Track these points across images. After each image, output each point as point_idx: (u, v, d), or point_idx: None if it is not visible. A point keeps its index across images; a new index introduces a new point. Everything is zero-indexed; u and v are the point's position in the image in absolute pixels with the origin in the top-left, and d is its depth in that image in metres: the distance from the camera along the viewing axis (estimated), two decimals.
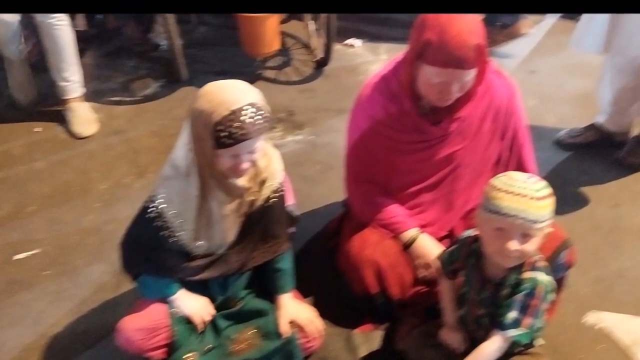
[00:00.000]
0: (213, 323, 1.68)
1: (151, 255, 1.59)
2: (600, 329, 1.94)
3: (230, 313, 1.71)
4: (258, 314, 1.70)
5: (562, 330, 1.91)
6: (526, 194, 1.34)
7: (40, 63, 3.08)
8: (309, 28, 3.73)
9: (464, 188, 1.85)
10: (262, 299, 1.73)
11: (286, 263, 1.74)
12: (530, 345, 1.52)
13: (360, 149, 1.83)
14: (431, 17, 1.53)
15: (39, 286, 2.14)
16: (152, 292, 1.64)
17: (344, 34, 3.81)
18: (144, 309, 1.62)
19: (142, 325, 1.58)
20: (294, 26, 3.99)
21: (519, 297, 1.43)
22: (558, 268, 1.69)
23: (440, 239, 1.86)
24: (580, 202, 2.49)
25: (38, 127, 3.05)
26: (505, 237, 1.37)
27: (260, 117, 1.38)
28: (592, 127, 2.80)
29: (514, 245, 1.37)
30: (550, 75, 3.48)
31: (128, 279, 1.70)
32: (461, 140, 1.76)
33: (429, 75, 1.56)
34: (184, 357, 1.60)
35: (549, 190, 1.38)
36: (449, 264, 1.63)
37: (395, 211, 1.84)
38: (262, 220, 1.63)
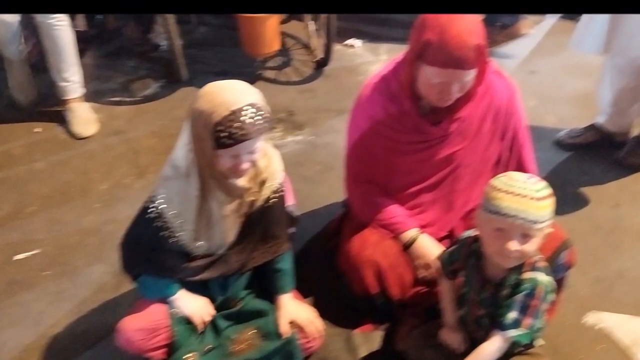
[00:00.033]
0: (213, 323, 1.68)
1: (151, 255, 1.59)
2: (600, 329, 1.94)
3: (230, 313, 1.71)
4: (258, 314, 1.70)
5: (562, 330, 1.91)
6: (526, 194, 1.34)
7: (40, 63, 3.08)
8: (309, 28, 3.73)
9: (464, 188, 1.85)
10: (262, 300, 1.73)
11: (286, 263, 1.74)
12: (530, 345, 1.52)
13: (360, 150, 1.83)
14: (431, 17, 1.53)
15: (39, 286, 2.14)
16: (152, 293, 1.64)
17: (344, 34, 3.81)
18: (144, 309, 1.62)
19: (142, 325, 1.58)
20: (294, 26, 3.99)
21: (519, 297, 1.43)
22: (558, 268, 1.69)
23: (440, 240, 1.86)
24: (580, 202, 2.49)
25: (38, 128, 3.05)
26: (505, 238, 1.37)
27: (260, 117, 1.38)
28: (592, 128, 2.80)
29: (514, 245, 1.37)
30: (550, 75, 3.48)
31: (128, 280, 1.70)
32: (461, 140, 1.76)
33: (429, 76, 1.56)
34: (184, 357, 1.60)
35: (549, 191, 1.38)
36: (449, 264, 1.63)
37: (395, 211, 1.84)
38: (262, 221, 1.63)
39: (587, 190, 2.55)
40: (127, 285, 2.01)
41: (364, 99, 1.79)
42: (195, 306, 1.66)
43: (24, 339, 1.94)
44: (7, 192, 2.62)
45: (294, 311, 1.69)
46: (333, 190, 2.40)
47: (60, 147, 2.91)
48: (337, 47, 3.62)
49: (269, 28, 3.27)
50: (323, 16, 3.36)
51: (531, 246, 1.39)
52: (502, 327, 1.44)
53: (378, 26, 4.05)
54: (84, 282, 2.15)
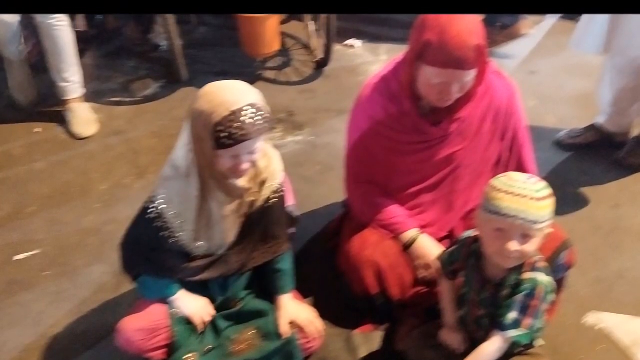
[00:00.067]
0: (213, 324, 1.68)
1: (151, 255, 1.59)
2: (600, 329, 1.94)
3: (230, 314, 1.71)
4: (258, 314, 1.70)
5: (562, 330, 1.91)
6: (526, 194, 1.34)
7: (40, 64, 3.08)
8: (309, 29, 3.73)
9: (464, 189, 1.85)
10: (262, 300, 1.73)
11: (286, 264, 1.74)
12: (530, 345, 1.52)
13: (360, 150, 1.83)
14: (431, 17, 1.53)
15: (39, 287, 2.14)
16: (152, 293, 1.64)
17: (344, 35, 3.81)
18: (144, 309, 1.62)
19: (142, 325, 1.58)
20: (294, 27, 3.99)
21: (519, 297, 1.43)
22: (558, 269, 1.69)
23: (440, 240, 1.86)
24: (580, 202, 2.49)
25: (38, 128, 3.05)
26: (505, 238, 1.37)
27: (260, 117, 1.38)
28: (592, 128, 2.80)
29: (514, 245, 1.37)
30: (550, 75, 3.48)
31: (128, 280, 1.70)
32: (461, 140, 1.76)
33: (429, 76, 1.56)
34: (184, 357, 1.60)
35: (549, 191, 1.38)
36: (449, 264, 1.63)
37: (395, 212, 1.84)
38: (262, 221, 1.63)
39: (587, 191, 2.55)
40: (127, 286, 2.01)
41: (364, 99, 1.79)
42: (195, 306, 1.66)
43: (24, 339, 1.94)
44: (7, 192, 2.62)
45: (294, 311, 1.69)
46: (333, 190, 2.40)
47: (60, 148, 2.91)
48: (337, 48, 3.61)
49: (269, 28, 3.27)
50: (323, 16, 3.36)
51: (531, 246, 1.39)
52: (502, 328, 1.44)
53: (378, 26, 4.05)
54: (84, 282, 2.15)
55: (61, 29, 2.83)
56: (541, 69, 3.55)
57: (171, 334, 1.61)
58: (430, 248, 1.80)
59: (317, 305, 1.92)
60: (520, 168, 1.80)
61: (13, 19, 2.79)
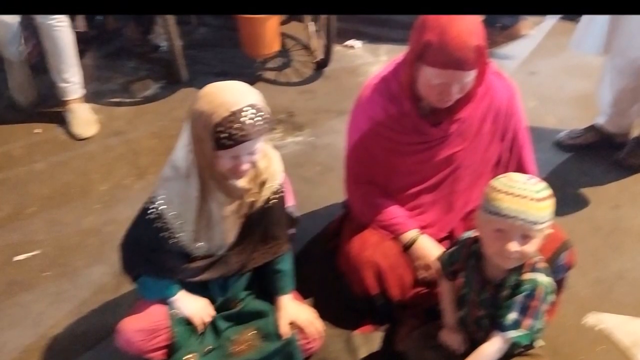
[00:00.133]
0: (213, 324, 1.68)
1: (151, 256, 1.59)
2: (600, 330, 1.94)
3: (230, 314, 1.71)
4: (258, 315, 1.70)
5: (562, 331, 1.91)
6: (526, 195, 1.34)
7: (40, 64, 3.08)
8: (309, 29, 3.73)
9: (464, 189, 1.85)
10: (262, 300, 1.73)
11: (286, 264, 1.74)
12: (530, 346, 1.52)
13: (360, 150, 1.83)
14: (431, 18, 1.53)
15: (39, 287, 2.14)
16: (152, 294, 1.64)
17: (344, 35, 3.81)
18: (144, 310, 1.62)
19: (142, 326, 1.58)
20: (294, 27, 3.99)
21: (519, 298, 1.43)
22: (558, 269, 1.69)
23: (440, 240, 1.86)
24: (580, 203, 2.49)
25: (38, 129, 3.05)
26: (505, 239, 1.37)
27: (260, 118, 1.38)
28: (592, 129, 2.80)
29: (514, 246, 1.37)
30: (550, 76, 3.48)
31: (128, 280, 1.70)
32: (461, 141, 1.76)
33: (429, 77, 1.56)
34: (184, 358, 1.60)
35: (549, 192, 1.38)
36: (449, 265, 1.63)
37: (395, 212, 1.84)
38: (262, 222, 1.63)
39: (587, 191, 2.55)
40: (127, 286, 2.01)
41: (364, 99, 1.79)
42: (195, 307, 1.66)
43: (24, 340, 1.94)
44: (7, 193, 2.62)
45: (294, 312, 1.69)
46: (333, 191, 2.40)
47: (60, 148, 2.91)
48: (337, 48, 3.61)
49: (269, 29, 3.27)
50: (323, 17, 3.36)
51: (531, 247, 1.39)
52: (502, 328, 1.44)
53: (378, 27, 4.06)
54: (84, 283, 2.15)
55: (61, 29, 2.83)
56: (541, 69, 3.55)
57: (171, 334, 1.61)
58: (430, 249, 1.80)
59: (317, 305, 1.92)
60: (520, 169, 1.80)
61: (13, 19, 2.79)
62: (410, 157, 1.79)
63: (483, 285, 1.53)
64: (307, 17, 3.75)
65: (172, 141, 1.63)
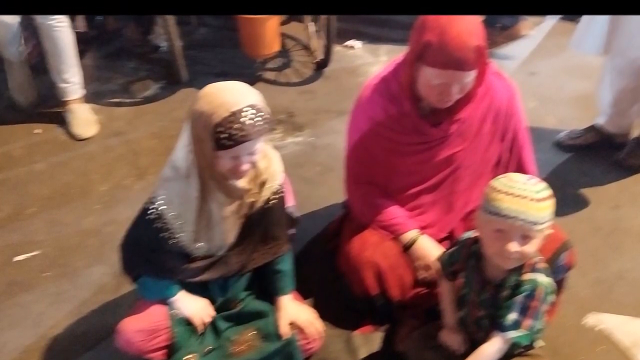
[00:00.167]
0: (213, 324, 1.68)
1: (151, 256, 1.59)
2: (600, 330, 1.94)
3: (230, 314, 1.71)
4: (258, 315, 1.70)
5: (562, 331, 1.91)
6: (526, 195, 1.34)
7: (40, 65, 3.08)
8: (309, 29, 3.73)
9: (464, 189, 1.85)
10: (262, 301, 1.73)
11: (286, 264, 1.74)
12: (530, 346, 1.52)
13: (360, 151, 1.83)
14: (431, 18, 1.53)
15: (39, 288, 2.14)
16: (152, 294, 1.64)
17: (344, 36, 3.81)
18: (144, 310, 1.62)
19: (142, 326, 1.58)
20: (294, 28, 3.99)
21: (519, 298, 1.43)
22: (558, 269, 1.69)
23: (440, 241, 1.86)
24: (580, 203, 2.49)
25: (38, 129, 3.05)
26: (505, 239, 1.37)
27: (260, 118, 1.38)
28: (592, 129, 2.80)
29: (514, 246, 1.37)
30: (550, 76, 3.48)
31: (128, 281, 1.70)
32: (461, 141, 1.76)
33: (429, 77, 1.56)
34: (184, 358, 1.60)
35: (549, 192, 1.38)
36: (449, 265, 1.63)
37: (395, 213, 1.84)
38: (262, 222, 1.63)
39: (587, 192, 2.55)
40: (127, 287, 2.01)
41: (364, 100, 1.79)
42: (195, 307, 1.66)
43: (24, 341, 1.94)
44: (7, 193, 2.62)
45: (294, 312, 1.69)
46: (333, 191, 2.40)
47: (60, 149, 2.91)
48: (337, 49, 3.62)
49: (269, 29, 3.27)
50: (323, 17, 3.36)
51: (531, 247, 1.39)
52: (502, 329, 1.44)
53: (378, 27, 4.06)
54: (84, 283, 2.15)
55: (61, 30, 2.83)
56: (541, 69, 3.55)
57: (171, 334, 1.61)
58: (430, 249, 1.80)
59: (317, 306, 1.92)
60: (520, 169, 1.80)
61: (13, 19, 2.79)
62: (410, 157, 1.79)
63: (483, 286, 1.53)
64: (307, 18, 3.75)
65: (172, 141, 1.63)
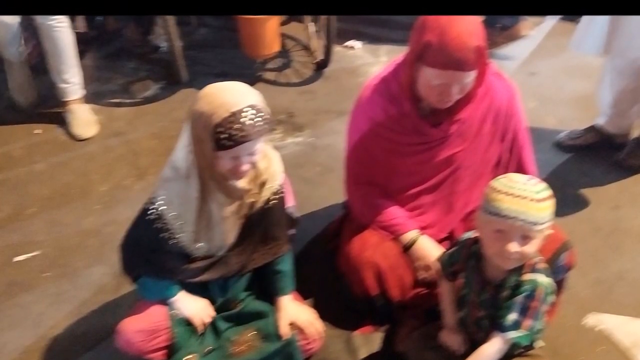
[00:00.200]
0: (213, 325, 1.68)
1: (151, 257, 1.59)
2: (601, 330, 1.94)
3: (230, 315, 1.71)
4: (258, 315, 1.70)
5: (562, 332, 1.91)
6: (526, 195, 1.34)
7: (40, 65, 3.08)
8: (309, 30, 3.73)
9: (464, 190, 1.85)
10: (262, 301, 1.73)
11: (286, 265, 1.74)
12: (530, 347, 1.52)
13: (360, 151, 1.83)
14: (431, 19, 1.53)
15: (39, 288, 2.14)
16: (152, 294, 1.64)
17: (344, 36, 3.81)
18: (144, 310, 1.62)
19: (142, 327, 1.58)
20: (294, 28, 3.99)
21: (519, 299, 1.43)
22: (558, 270, 1.69)
23: (440, 241, 1.86)
24: (580, 204, 2.49)
25: (38, 129, 3.05)
26: (505, 239, 1.37)
27: (260, 119, 1.38)
28: (592, 129, 2.80)
29: (514, 247, 1.37)
30: (550, 77, 3.48)
31: (128, 281, 1.70)
32: (461, 142, 1.76)
33: (429, 77, 1.56)
34: (184, 359, 1.60)
35: (549, 192, 1.38)
36: (449, 265, 1.63)
37: (395, 213, 1.84)
38: (262, 222, 1.63)
39: (587, 192, 2.55)
40: (127, 287, 2.01)
41: (364, 100, 1.79)
42: (195, 308, 1.66)
43: (23, 341, 1.94)
44: (7, 193, 2.62)
45: (294, 313, 1.69)
46: (333, 191, 2.40)
47: (60, 149, 2.91)
48: (337, 49, 3.61)
49: (269, 29, 3.27)
50: (323, 18, 3.36)
51: (531, 248, 1.39)
52: (502, 329, 1.44)
53: (378, 28, 4.06)
54: (84, 283, 2.15)
55: (61, 30, 2.83)
56: (541, 70, 3.55)
57: (171, 335, 1.61)
58: (430, 249, 1.80)
59: (317, 306, 1.92)
60: (520, 169, 1.80)
61: (13, 20, 2.79)
62: (410, 157, 1.79)
63: (483, 286, 1.53)
64: (307, 18, 3.75)
65: (172, 142, 1.63)
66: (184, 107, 3.10)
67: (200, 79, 3.43)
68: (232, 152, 1.38)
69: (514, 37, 3.66)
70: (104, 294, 2.09)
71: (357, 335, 1.93)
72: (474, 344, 1.54)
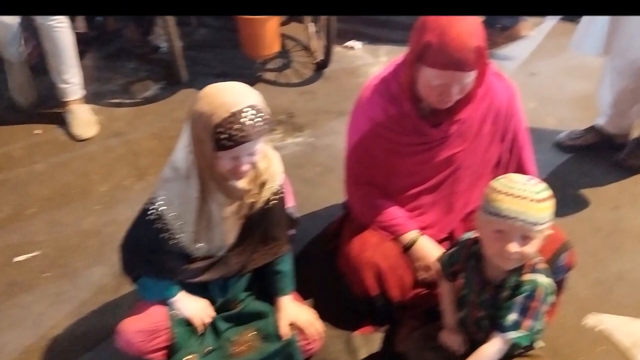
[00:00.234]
0: (213, 325, 1.68)
1: (151, 257, 1.59)
2: (600, 331, 1.94)
3: (230, 315, 1.71)
4: (258, 316, 1.70)
5: (562, 332, 1.91)
6: (526, 196, 1.34)
7: (40, 65, 3.08)
8: (309, 30, 3.73)
9: (464, 190, 1.85)
10: (262, 301, 1.73)
11: (286, 265, 1.74)
12: (530, 347, 1.52)
13: (360, 151, 1.83)
14: (431, 19, 1.53)
15: (39, 288, 2.14)
16: (152, 294, 1.64)
17: (344, 36, 3.81)
18: (144, 311, 1.62)
19: (142, 327, 1.58)
20: (294, 28, 3.99)
21: (519, 299, 1.43)
22: (558, 270, 1.69)
23: (440, 241, 1.86)
24: (580, 204, 2.49)
25: (38, 130, 3.05)
26: (505, 240, 1.37)
27: (260, 119, 1.38)
28: (592, 130, 2.80)
29: (514, 247, 1.37)
30: (550, 77, 3.48)
31: (128, 281, 1.70)
32: (461, 142, 1.76)
33: (429, 78, 1.56)
34: (184, 359, 1.60)
35: (549, 193, 1.38)
36: (449, 266, 1.63)
37: (395, 213, 1.84)
38: (262, 223, 1.63)
39: (587, 192, 2.55)
40: (127, 287, 2.01)
41: (364, 100, 1.79)
42: (195, 308, 1.66)
43: (23, 341, 1.94)
44: (7, 193, 2.62)
45: (294, 313, 1.69)
46: (333, 192, 2.40)
47: (60, 149, 2.91)
48: (337, 49, 3.62)
49: (269, 30, 3.27)
50: (323, 18, 3.36)
51: (531, 248, 1.39)
52: (502, 329, 1.44)
53: (378, 28, 4.06)
54: (84, 283, 2.15)
55: (61, 30, 2.83)
56: (541, 70, 3.55)
57: (171, 335, 1.61)
58: (430, 249, 1.80)
59: (317, 306, 1.92)
60: (520, 169, 1.80)
61: (13, 20, 2.79)
62: (410, 158, 1.79)
63: (483, 286, 1.53)
64: (307, 18, 3.75)
65: (172, 142, 1.63)
66: (184, 108, 3.09)
67: (200, 79, 3.43)
68: (232, 152, 1.38)
69: (514, 38, 3.66)
70: (104, 294, 2.09)
71: (357, 335, 1.93)
72: (474, 345, 1.54)
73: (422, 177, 1.83)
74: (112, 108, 3.24)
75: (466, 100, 1.65)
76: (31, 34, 2.97)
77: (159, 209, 1.53)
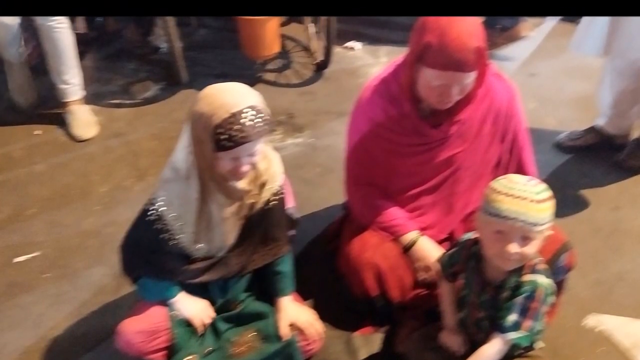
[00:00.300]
0: (213, 326, 1.68)
1: (151, 258, 1.59)
2: (600, 331, 1.94)
3: (230, 316, 1.71)
4: (258, 316, 1.70)
5: (562, 332, 1.91)
6: (526, 196, 1.34)
7: (40, 66, 3.08)
8: (309, 31, 3.73)
9: (464, 191, 1.85)
10: (262, 302, 1.73)
11: (286, 266, 1.74)
12: (530, 347, 1.52)
13: (360, 152, 1.83)
14: (431, 19, 1.53)
15: (39, 289, 2.14)
16: (152, 295, 1.64)
17: (344, 37, 3.81)
18: (144, 311, 1.62)
19: (142, 327, 1.58)
20: (294, 29, 3.99)
21: (519, 299, 1.43)
22: (558, 271, 1.69)
23: (440, 242, 1.86)
24: (580, 204, 2.49)
25: (38, 130, 3.05)
26: (505, 240, 1.37)
27: (260, 119, 1.38)
28: (592, 130, 2.80)
29: (514, 248, 1.37)
30: (550, 78, 3.48)
31: (128, 282, 1.70)
32: (461, 142, 1.76)
33: (429, 78, 1.56)
34: (184, 359, 1.60)
35: (549, 193, 1.38)
36: (449, 266, 1.63)
37: (395, 214, 1.84)
38: (262, 223, 1.63)
39: (587, 193, 2.55)
40: (127, 288, 2.01)
41: (364, 101, 1.79)
42: (195, 308, 1.66)
43: (24, 342, 1.94)
44: (7, 194, 2.62)
45: (294, 314, 1.69)
46: (333, 192, 2.40)
47: (60, 150, 2.91)
48: (337, 50, 3.62)
49: (269, 30, 3.27)
50: (323, 19, 3.36)
51: (531, 249, 1.39)
52: (502, 330, 1.44)
53: (378, 29, 4.06)
54: (84, 284, 2.15)
55: (61, 31, 2.83)
56: (541, 71, 3.55)
57: (171, 336, 1.61)
58: (430, 250, 1.80)
59: (317, 307, 1.92)
60: (520, 170, 1.80)
61: (13, 21, 2.79)
62: (410, 158, 1.79)
63: (483, 287, 1.53)
64: (307, 19, 3.75)
65: (172, 143, 1.63)
66: (184, 108, 3.09)
67: (200, 80, 3.43)
68: (232, 153, 1.39)
69: (514, 38, 3.66)
70: (104, 295, 2.09)
71: (357, 336, 1.92)
72: (474, 345, 1.54)
73: (422, 178, 1.83)
74: (112, 109, 3.24)
75: (466, 100, 1.65)
76: (31, 35, 2.97)
77: (159, 210, 1.53)
